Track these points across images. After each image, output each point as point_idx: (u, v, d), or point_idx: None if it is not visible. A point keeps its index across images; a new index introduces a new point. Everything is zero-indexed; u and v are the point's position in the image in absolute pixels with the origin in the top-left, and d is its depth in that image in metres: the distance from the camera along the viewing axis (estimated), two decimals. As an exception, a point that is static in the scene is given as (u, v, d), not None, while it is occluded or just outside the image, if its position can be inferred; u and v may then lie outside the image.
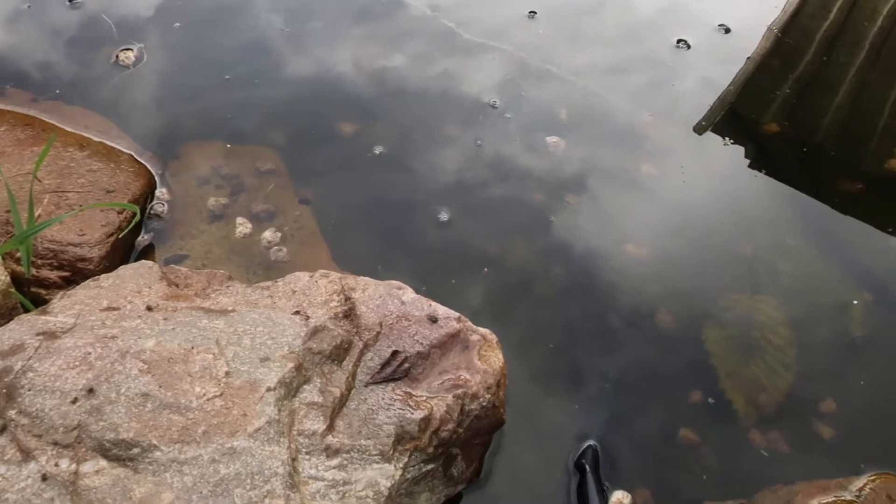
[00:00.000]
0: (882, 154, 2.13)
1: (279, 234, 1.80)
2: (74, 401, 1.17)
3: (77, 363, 1.21)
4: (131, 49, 2.17)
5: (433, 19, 2.42)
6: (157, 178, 1.89)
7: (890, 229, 1.95)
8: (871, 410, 1.67)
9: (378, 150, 2.02)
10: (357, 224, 1.88)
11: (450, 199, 1.93)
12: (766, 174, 2.09)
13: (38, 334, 1.27)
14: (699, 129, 2.16)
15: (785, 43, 2.40)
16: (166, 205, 1.85)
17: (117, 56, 2.15)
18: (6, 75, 2.09)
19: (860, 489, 1.49)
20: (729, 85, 2.28)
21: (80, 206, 1.65)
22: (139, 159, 1.90)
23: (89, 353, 1.23)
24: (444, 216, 1.89)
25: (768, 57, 2.36)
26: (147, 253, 1.76)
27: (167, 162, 1.94)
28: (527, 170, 2.03)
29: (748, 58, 2.34)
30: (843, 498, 1.48)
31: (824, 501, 1.48)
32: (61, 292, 1.46)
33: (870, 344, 1.77)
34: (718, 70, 2.33)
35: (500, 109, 2.15)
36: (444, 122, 2.13)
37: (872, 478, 1.51)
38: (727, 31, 2.41)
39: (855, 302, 1.81)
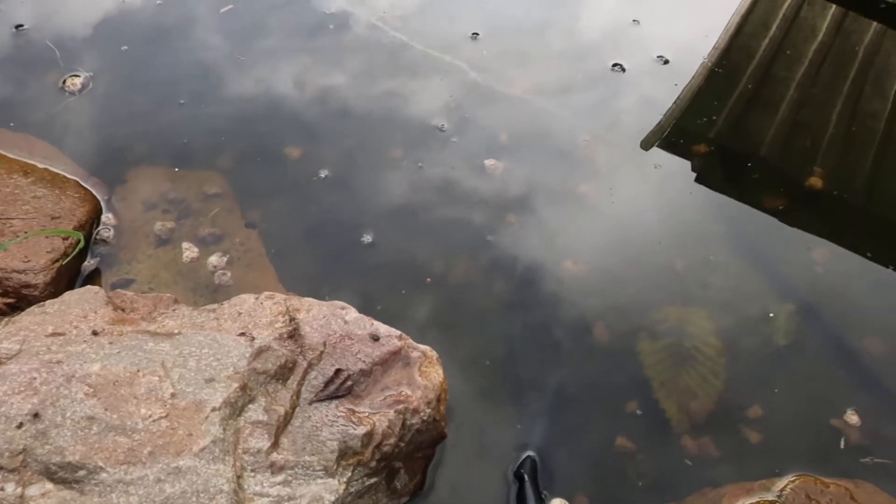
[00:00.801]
0: (804, 173, 2.25)
1: (225, 259, 1.84)
2: (20, 426, 1.19)
3: (22, 388, 1.24)
4: (78, 75, 2.19)
5: (384, 41, 2.48)
6: (103, 203, 1.91)
7: (809, 243, 2.07)
8: (794, 415, 1.77)
9: (324, 173, 2.08)
10: (303, 246, 1.93)
11: (393, 221, 1.99)
12: (696, 192, 2.19)
13: (-18, 361, 1.28)
14: (644, 146, 2.26)
15: (722, 66, 2.52)
16: (112, 230, 1.87)
17: (64, 82, 2.17)
18: (-51, 103, 2.10)
19: (781, 490, 1.58)
20: (665, 107, 2.39)
21: (25, 232, 1.67)
22: (85, 185, 1.92)
23: (34, 379, 1.25)
24: (388, 237, 1.95)
25: (706, 79, 2.48)
26: (93, 278, 1.78)
27: (114, 187, 1.97)
28: (471, 191, 2.10)
29: (675, 84, 2.45)
30: (765, 499, 1.56)
31: (748, 502, 1.56)
32: (6, 319, 1.48)
33: (793, 351, 1.88)
34: (654, 92, 2.43)
35: (447, 133, 2.22)
36: (390, 144, 2.19)
37: (793, 479, 1.60)
38: (666, 62, 2.51)
39: (771, 315, 1.91)
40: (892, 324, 1.93)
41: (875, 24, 2.69)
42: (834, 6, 2.72)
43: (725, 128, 2.36)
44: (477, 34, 2.54)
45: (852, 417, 1.72)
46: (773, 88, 2.49)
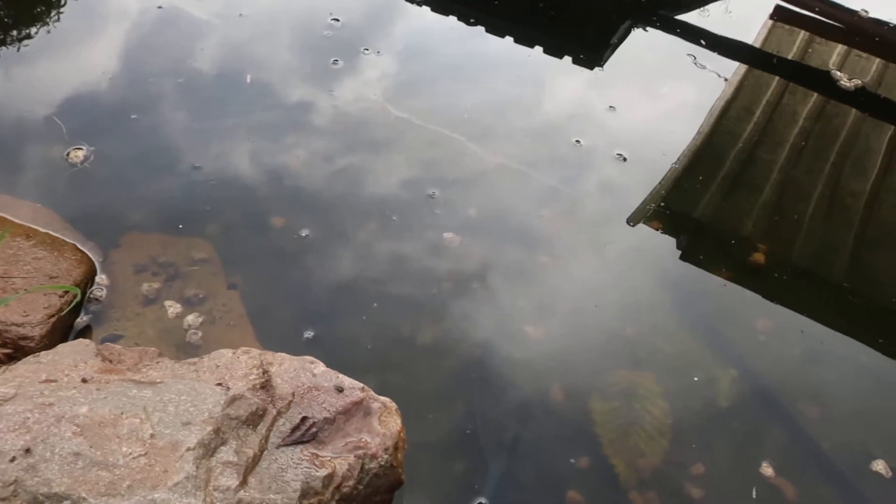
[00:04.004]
0: (748, 249, 2.44)
1: (200, 319, 1.99)
2: (13, 459, 1.32)
3: (16, 427, 1.37)
4: (81, 148, 2.38)
5: (383, 118, 2.68)
6: (97, 265, 2.07)
7: (751, 313, 2.24)
8: (733, 472, 1.91)
9: (304, 239, 2.24)
10: (281, 307, 2.08)
11: (365, 285, 2.15)
12: (647, 266, 2.37)
13: (-19, 402, 1.42)
14: (631, 221, 2.45)
15: (700, 151, 2.72)
16: (105, 289, 2.03)
17: (67, 154, 2.36)
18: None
19: (717, 540, 1.71)
20: (632, 187, 2.58)
21: (25, 289, 1.83)
22: (82, 248, 2.08)
23: (28, 418, 1.39)
24: (357, 299, 2.11)
25: (678, 170, 2.67)
26: (85, 333, 1.93)
27: (108, 251, 2.13)
28: (440, 258, 2.27)
29: (641, 169, 2.66)
30: (701, 547, 1.69)
31: (685, 551, 1.68)
32: (3, 367, 1.62)
33: (734, 413, 2.02)
34: (621, 172, 2.62)
35: (437, 199, 2.40)
36: (374, 213, 2.36)
37: (727, 530, 1.73)
38: (625, 160, 2.71)
39: (696, 379, 2.06)
40: (827, 390, 2.09)
41: (854, 110, 2.94)
42: (815, 94, 2.97)
43: (678, 205, 2.56)
44: (468, 113, 2.73)
45: (767, 470, 1.87)
46: (768, 163, 2.69)
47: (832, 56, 3.14)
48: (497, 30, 3.12)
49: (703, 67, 3.05)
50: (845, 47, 3.13)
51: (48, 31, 2.83)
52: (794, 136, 2.80)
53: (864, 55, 3.14)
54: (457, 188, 2.47)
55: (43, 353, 1.64)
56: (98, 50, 2.78)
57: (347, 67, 2.82)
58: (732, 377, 2.10)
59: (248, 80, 2.66)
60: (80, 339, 1.70)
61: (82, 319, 1.95)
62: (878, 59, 3.10)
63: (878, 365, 2.14)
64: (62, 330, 1.86)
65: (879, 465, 1.88)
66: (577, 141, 2.69)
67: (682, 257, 2.41)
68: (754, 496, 1.83)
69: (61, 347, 1.66)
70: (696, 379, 2.08)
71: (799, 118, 2.87)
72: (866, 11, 3.26)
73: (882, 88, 3.03)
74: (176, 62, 2.75)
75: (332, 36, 2.94)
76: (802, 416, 2.02)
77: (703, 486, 1.88)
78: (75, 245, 2.08)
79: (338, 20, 2.99)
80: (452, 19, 3.14)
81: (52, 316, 1.82)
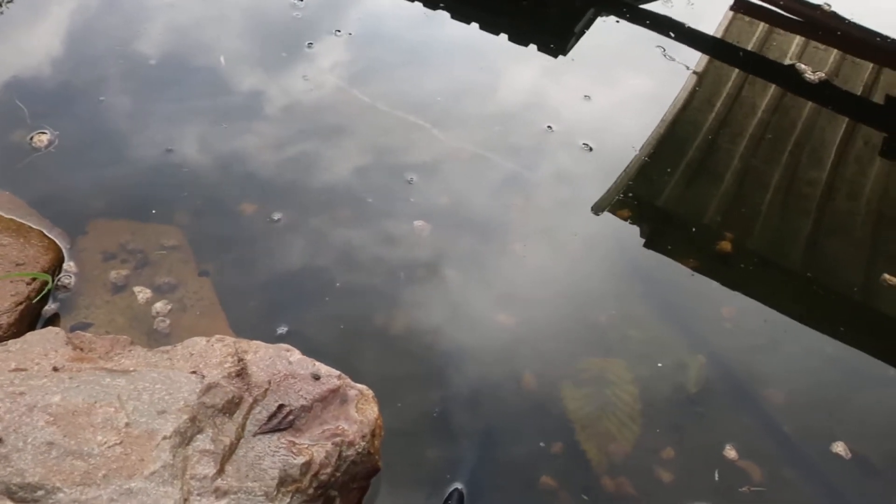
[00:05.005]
0: (716, 237, 2.48)
1: (170, 307, 1.97)
2: (-16, 449, 1.30)
3: (-13, 417, 1.34)
4: (45, 132, 2.33)
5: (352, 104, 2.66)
6: (65, 252, 2.03)
7: (718, 300, 2.28)
8: (703, 457, 1.95)
9: (276, 227, 2.23)
10: (254, 294, 2.07)
11: (339, 273, 2.15)
12: (618, 254, 2.40)
13: (-51, 392, 1.39)
14: (595, 210, 2.47)
15: (665, 142, 2.75)
16: (73, 277, 1.99)
17: (31, 139, 2.31)
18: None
19: (686, 522, 1.75)
20: (598, 175, 2.60)
21: (-9, 277, 1.79)
22: (49, 235, 2.04)
23: (-2, 408, 1.37)
24: (329, 287, 2.11)
25: (640, 160, 2.70)
26: (53, 321, 1.89)
27: (75, 238, 2.09)
28: (412, 246, 2.27)
29: (602, 158, 2.68)
30: (671, 530, 1.73)
31: (656, 534, 1.72)
32: (-30, 356, 1.58)
33: (702, 399, 2.06)
34: (589, 160, 2.64)
35: (414, 185, 2.40)
36: (344, 200, 2.35)
37: (696, 512, 1.78)
38: (590, 149, 2.74)
39: (665, 365, 2.10)
40: (791, 376, 2.14)
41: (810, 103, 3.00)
42: (773, 86, 3.02)
43: (648, 193, 2.60)
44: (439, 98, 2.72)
45: (732, 453, 1.92)
46: (728, 152, 2.73)
47: (791, 47, 3.20)
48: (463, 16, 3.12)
49: (667, 57, 3.08)
50: (804, 39, 3.19)
51: (1, 11, 2.75)
52: (754, 126, 2.86)
53: (823, 47, 3.20)
54: (433, 175, 2.47)
55: (11, 341, 1.61)
56: (61, 29, 2.72)
57: (321, 50, 2.79)
58: (701, 363, 2.14)
59: (223, 62, 2.62)
60: (50, 328, 1.66)
61: (50, 307, 1.91)
62: (835, 51, 3.16)
63: (839, 352, 2.19)
64: (30, 318, 1.83)
65: (839, 447, 1.94)
66: (548, 127, 2.70)
67: (647, 245, 2.44)
68: (716, 478, 1.87)
69: (30, 336, 1.63)
70: (665, 365, 2.12)
71: (758, 109, 2.93)
72: (829, 5, 3.32)
73: (839, 80, 3.09)
74: (145, 44, 2.70)
75: (301, 17, 2.91)
76: (767, 402, 2.07)
77: (674, 470, 1.92)
78: (42, 231, 2.04)
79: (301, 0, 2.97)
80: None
81: (20, 304, 1.78)
